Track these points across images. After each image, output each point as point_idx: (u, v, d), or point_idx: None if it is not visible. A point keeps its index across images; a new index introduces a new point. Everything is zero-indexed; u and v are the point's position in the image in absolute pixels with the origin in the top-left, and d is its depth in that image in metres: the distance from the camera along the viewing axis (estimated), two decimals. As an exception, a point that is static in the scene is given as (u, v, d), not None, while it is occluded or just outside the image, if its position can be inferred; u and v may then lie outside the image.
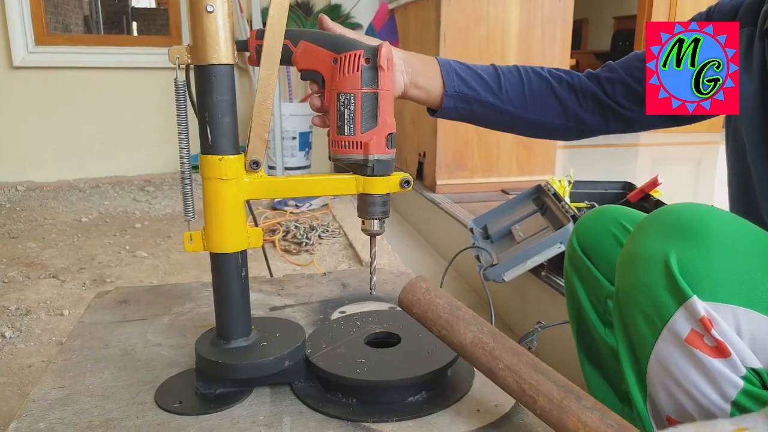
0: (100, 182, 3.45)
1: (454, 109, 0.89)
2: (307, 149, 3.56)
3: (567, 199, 1.67)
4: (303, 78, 0.77)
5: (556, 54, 2.54)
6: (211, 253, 0.75)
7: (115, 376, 0.82)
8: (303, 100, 3.59)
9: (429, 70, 0.87)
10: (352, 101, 0.72)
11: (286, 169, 3.41)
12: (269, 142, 3.38)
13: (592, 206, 1.78)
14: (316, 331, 0.87)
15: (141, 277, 2.01)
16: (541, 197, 1.75)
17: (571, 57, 4.65)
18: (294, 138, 3.46)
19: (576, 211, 1.51)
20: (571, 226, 1.42)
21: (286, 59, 0.75)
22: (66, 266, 2.09)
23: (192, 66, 0.71)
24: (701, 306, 0.57)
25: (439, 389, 0.77)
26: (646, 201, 1.68)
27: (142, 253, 2.24)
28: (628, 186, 1.86)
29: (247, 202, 0.80)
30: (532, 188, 1.80)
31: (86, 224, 2.63)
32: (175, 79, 0.71)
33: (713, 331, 0.57)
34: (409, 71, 0.85)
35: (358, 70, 0.71)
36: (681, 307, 0.59)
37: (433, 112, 0.92)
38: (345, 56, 0.72)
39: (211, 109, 0.70)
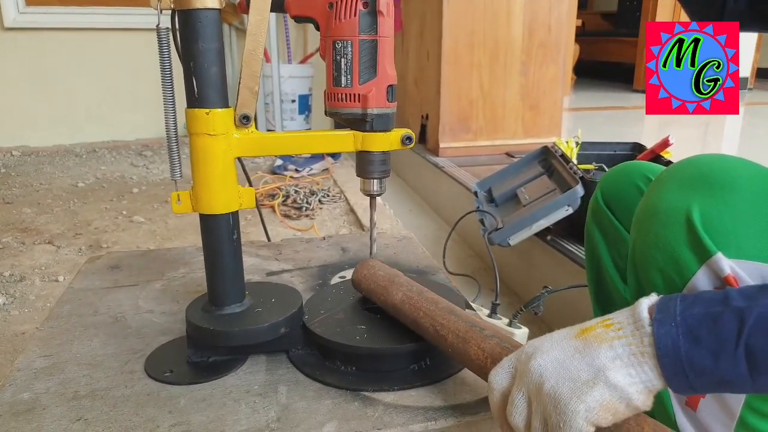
0: (97, 147, 3.39)
1: None
2: (307, 112, 3.48)
3: (574, 161, 1.61)
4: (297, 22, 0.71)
5: (563, 12, 2.45)
6: (200, 214, 0.70)
7: (103, 343, 0.79)
8: (302, 61, 3.51)
9: None
10: (349, 49, 0.66)
11: (286, 132, 3.34)
12: (269, 105, 3.30)
13: (601, 168, 1.72)
14: (314, 296, 0.84)
15: (138, 242, 1.97)
16: (547, 159, 1.69)
17: (578, 18, 4.55)
18: (293, 101, 3.38)
19: (584, 172, 1.46)
20: (579, 188, 1.37)
21: (278, 5, 0.70)
22: (61, 232, 2.05)
23: (176, 12, 0.66)
24: (726, 263, 0.53)
25: (442, 356, 0.73)
26: (656, 162, 1.62)
27: (140, 218, 2.20)
28: (638, 147, 1.80)
29: (240, 159, 0.75)
30: (539, 150, 1.74)
31: (82, 189, 2.59)
32: (157, 26, 0.65)
33: None
34: None
35: (355, 15, 0.66)
36: (704, 265, 0.54)
37: None
38: (341, 0, 0.66)
39: (197, 58, 0.65)
